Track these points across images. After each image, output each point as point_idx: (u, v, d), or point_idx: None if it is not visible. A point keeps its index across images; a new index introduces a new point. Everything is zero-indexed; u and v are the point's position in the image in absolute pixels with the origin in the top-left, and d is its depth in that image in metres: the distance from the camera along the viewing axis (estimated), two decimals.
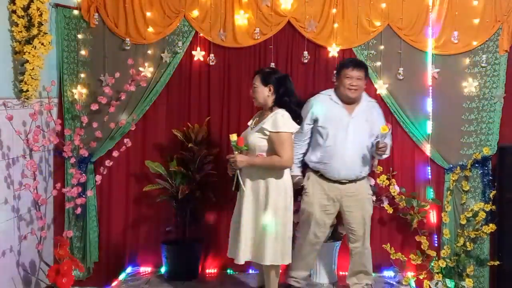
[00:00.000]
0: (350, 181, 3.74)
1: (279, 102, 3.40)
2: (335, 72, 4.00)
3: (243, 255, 3.41)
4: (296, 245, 3.86)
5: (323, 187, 3.76)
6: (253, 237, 3.40)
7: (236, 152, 3.35)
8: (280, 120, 3.30)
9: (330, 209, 3.78)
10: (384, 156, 3.81)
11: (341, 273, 4.23)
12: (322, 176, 3.76)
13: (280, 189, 3.38)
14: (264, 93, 3.42)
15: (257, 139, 3.36)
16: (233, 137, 3.35)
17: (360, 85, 3.72)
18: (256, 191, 3.40)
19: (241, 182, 3.41)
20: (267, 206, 3.35)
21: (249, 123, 3.60)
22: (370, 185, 3.96)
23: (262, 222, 3.36)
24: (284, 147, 3.28)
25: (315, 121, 3.78)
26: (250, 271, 4.41)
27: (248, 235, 3.41)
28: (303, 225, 3.87)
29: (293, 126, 3.38)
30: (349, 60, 3.88)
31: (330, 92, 3.84)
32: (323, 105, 3.77)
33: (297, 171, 3.88)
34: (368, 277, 3.95)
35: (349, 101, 3.75)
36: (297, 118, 3.45)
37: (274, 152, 3.31)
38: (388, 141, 3.75)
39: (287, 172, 3.45)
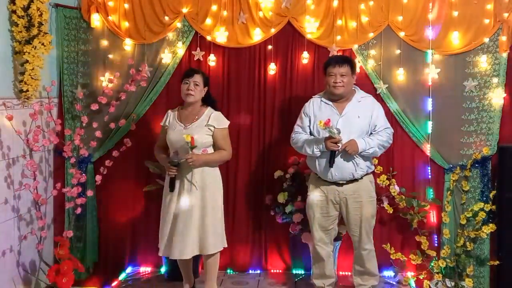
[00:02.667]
0: (348, 182, 3.65)
1: (208, 102, 3.67)
2: None
3: (191, 250, 3.53)
4: (311, 253, 3.89)
5: (322, 189, 3.71)
6: (199, 231, 3.53)
7: (191, 152, 3.46)
8: (221, 117, 3.63)
9: (330, 211, 3.72)
10: (371, 150, 3.58)
11: (341, 273, 4.23)
12: (320, 178, 3.72)
13: (217, 181, 3.65)
14: (202, 93, 3.64)
15: (204, 136, 3.53)
16: (188, 137, 3.44)
17: (346, 81, 3.62)
18: (198, 185, 3.53)
19: (192, 182, 3.53)
20: (212, 199, 3.56)
21: (168, 123, 3.67)
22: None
23: (208, 214, 3.52)
24: (227, 141, 3.63)
25: (309, 120, 3.74)
26: (250, 271, 4.41)
27: (196, 229, 3.52)
28: (311, 230, 3.82)
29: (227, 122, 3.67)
30: (331, 58, 3.84)
31: (321, 94, 3.81)
32: (314, 106, 3.74)
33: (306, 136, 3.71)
34: (373, 278, 3.87)
35: (338, 99, 3.68)
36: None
37: (217, 146, 3.59)
38: (370, 140, 3.59)
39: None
